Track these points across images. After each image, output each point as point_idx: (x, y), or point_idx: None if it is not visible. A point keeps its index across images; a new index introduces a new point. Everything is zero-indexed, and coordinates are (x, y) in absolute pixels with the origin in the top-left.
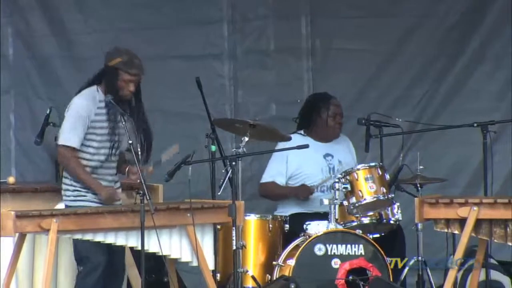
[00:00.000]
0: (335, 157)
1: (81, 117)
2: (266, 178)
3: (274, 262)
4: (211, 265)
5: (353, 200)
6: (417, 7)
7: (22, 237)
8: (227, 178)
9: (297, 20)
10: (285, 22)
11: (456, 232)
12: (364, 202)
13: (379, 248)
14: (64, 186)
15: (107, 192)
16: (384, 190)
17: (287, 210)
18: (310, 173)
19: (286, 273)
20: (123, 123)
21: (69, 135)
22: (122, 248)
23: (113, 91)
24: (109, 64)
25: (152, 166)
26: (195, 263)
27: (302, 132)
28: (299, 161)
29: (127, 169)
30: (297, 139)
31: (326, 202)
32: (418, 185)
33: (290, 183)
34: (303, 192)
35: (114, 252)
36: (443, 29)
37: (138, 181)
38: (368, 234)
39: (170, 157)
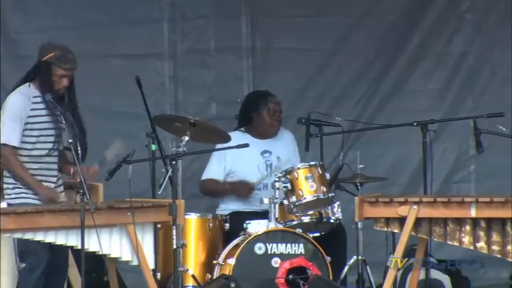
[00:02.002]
0: (273, 153)
1: (16, 114)
2: (205, 175)
3: (214, 261)
4: (151, 264)
5: (293, 199)
6: (356, 7)
7: None
8: (167, 177)
9: (237, 19)
10: (225, 22)
11: (396, 231)
12: (305, 201)
13: (319, 247)
14: (5, 185)
15: (47, 192)
16: (325, 189)
17: (228, 207)
18: (246, 170)
19: (227, 272)
20: (63, 122)
21: (8, 133)
22: (65, 246)
23: (47, 86)
24: (42, 59)
25: (98, 165)
26: (135, 262)
27: (242, 129)
28: (236, 158)
29: (72, 170)
30: (237, 136)
31: (266, 201)
32: (358, 184)
33: (229, 180)
34: (243, 189)
35: (57, 250)
36: (382, 28)
37: (79, 180)
38: (308, 233)
39: (116, 153)
